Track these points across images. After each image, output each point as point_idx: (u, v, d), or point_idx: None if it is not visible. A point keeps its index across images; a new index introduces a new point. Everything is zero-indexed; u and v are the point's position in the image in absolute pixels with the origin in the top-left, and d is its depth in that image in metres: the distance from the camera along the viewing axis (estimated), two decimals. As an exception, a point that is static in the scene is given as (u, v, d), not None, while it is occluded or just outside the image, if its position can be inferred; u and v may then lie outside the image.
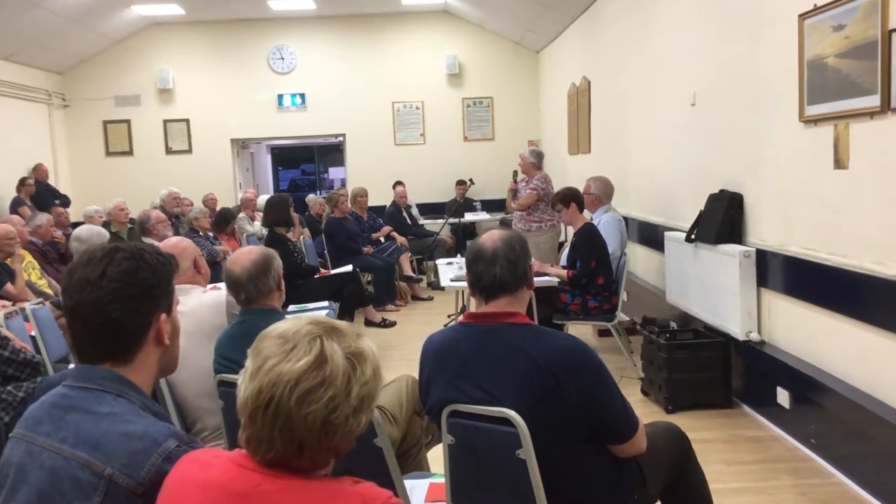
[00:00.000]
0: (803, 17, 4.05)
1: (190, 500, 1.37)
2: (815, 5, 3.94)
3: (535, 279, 3.18)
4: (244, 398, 1.35)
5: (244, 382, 1.36)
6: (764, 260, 4.62)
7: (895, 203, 3.43)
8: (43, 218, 7.27)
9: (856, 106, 3.63)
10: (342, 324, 1.42)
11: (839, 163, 3.82)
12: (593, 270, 5.61)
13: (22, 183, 10.05)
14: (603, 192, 6.43)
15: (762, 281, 4.65)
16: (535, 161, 7.44)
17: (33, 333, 4.62)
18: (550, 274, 5.77)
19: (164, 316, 1.62)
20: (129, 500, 1.44)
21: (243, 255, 3.07)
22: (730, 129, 5.08)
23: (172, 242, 3.55)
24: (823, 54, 3.89)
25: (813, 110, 4.01)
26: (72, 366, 3.19)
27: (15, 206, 9.57)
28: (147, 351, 1.61)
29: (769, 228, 4.60)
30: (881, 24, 3.41)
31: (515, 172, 7.61)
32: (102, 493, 1.44)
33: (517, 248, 2.41)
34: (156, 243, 3.79)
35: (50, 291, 6.16)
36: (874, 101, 3.48)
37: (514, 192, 7.51)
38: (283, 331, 1.38)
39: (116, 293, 1.54)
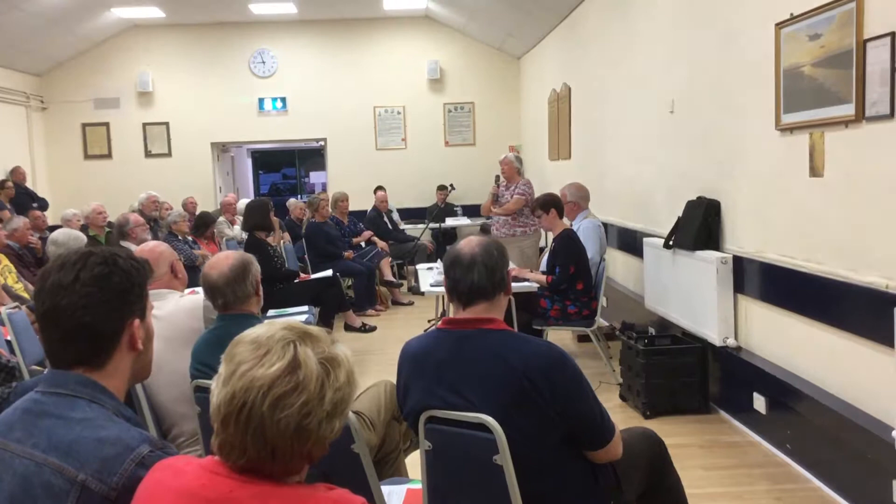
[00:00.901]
0: (780, 25, 4.09)
1: None
2: (791, 14, 3.98)
3: (515, 284, 3.21)
4: (217, 403, 1.35)
5: (217, 388, 1.36)
6: (741, 266, 4.66)
7: (868, 211, 3.47)
8: (19, 221, 7.21)
9: (831, 115, 3.67)
10: (316, 329, 1.42)
11: (814, 171, 3.86)
12: (572, 276, 5.64)
13: (1, 186, 9.95)
14: (579, 197, 6.46)
15: (739, 287, 4.69)
16: (519, 167, 7.47)
17: (9, 338, 4.58)
18: (530, 279, 5.79)
19: (137, 321, 1.61)
20: (102, 505, 1.43)
21: (221, 260, 3.05)
22: (707, 136, 5.12)
23: (149, 247, 3.52)
24: (799, 63, 3.93)
25: (789, 118, 4.05)
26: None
27: None
28: (120, 356, 1.60)
29: (746, 235, 4.64)
30: (856, 34, 3.45)
31: (498, 177, 7.62)
32: (75, 498, 1.43)
33: (495, 254, 2.42)
34: (134, 247, 3.77)
35: (26, 295, 6.10)
36: (849, 109, 3.52)
37: (496, 197, 7.53)
38: (257, 336, 1.37)
39: (89, 298, 1.53)
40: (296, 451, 1.33)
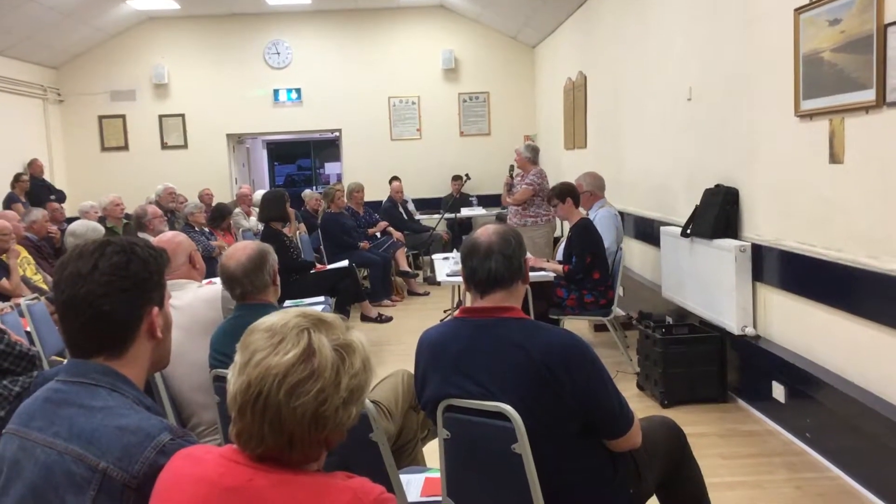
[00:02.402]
0: (799, 11, 4.04)
1: (182, 496, 1.36)
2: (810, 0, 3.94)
3: (531, 274, 3.19)
4: (233, 392, 1.35)
5: (233, 377, 1.36)
6: (759, 254, 4.62)
7: (889, 197, 3.44)
8: (38, 213, 7.25)
9: (851, 100, 3.63)
10: (331, 316, 1.41)
11: (834, 157, 3.82)
12: (589, 265, 5.61)
13: (17, 179, 10.02)
14: (595, 186, 6.44)
15: (757, 275, 4.65)
16: (530, 156, 7.44)
17: (29, 329, 4.61)
18: (546, 269, 5.77)
19: (156, 309, 1.61)
20: (123, 493, 1.43)
21: (238, 251, 3.06)
22: (725, 123, 5.08)
23: (168, 237, 3.53)
24: (819, 49, 3.89)
25: (808, 105, 4.01)
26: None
27: (8, 203, 9.54)
28: (139, 345, 1.60)
29: (764, 223, 4.61)
30: (876, 19, 3.41)
31: (512, 167, 7.59)
32: (96, 486, 1.43)
33: (512, 242, 2.40)
34: (151, 239, 3.78)
35: (45, 287, 6.14)
36: (869, 95, 3.48)
37: (510, 187, 7.51)
38: (272, 324, 1.37)
39: (108, 286, 1.53)
40: (313, 439, 1.33)
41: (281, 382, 1.30)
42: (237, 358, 1.36)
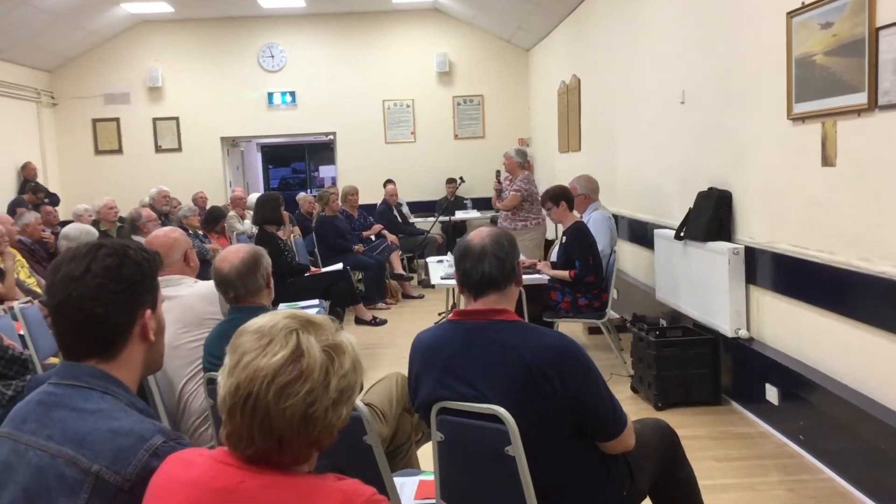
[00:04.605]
0: (791, 14, 4.06)
1: (174, 499, 1.37)
2: (802, 3, 3.95)
3: (525, 277, 3.19)
4: (223, 395, 1.35)
5: (223, 379, 1.36)
6: (752, 257, 4.63)
7: (881, 200, 3.45)
8: (31, 216, 7.24)
9: (843, 104, 3.65)
10: (320, 317, 1.41)
11: (827, 160, 3.84)
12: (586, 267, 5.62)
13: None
14: (589, 190, 6.45)
15: (751, 278, 4.66)
16: (520, 160, 7.45)
17: (22, 332, 4.60)
18: (551, 276, 5.75)
19: (148, 312, 1.61)
20: (116, 496, 1.43)
21: (232, 253, 3.06)
22: (718, 126, 5.09)
23: (164, 232, 3.53)
24: (811, 52, 3.90)
25: (801, 108, 4.03)
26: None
27: (14, 207, 9.51)
28: (132, 348, 1.60)
29: (757, 226, 4.62)
30: (868, 22, 3.42)
31: (498, 172, 7.60)
32: (89, 489, 1.43)
33: (505, 244, 2.41)
34: (147, 236, 3.79)
35: (39, 290, 6.13)
36: (861, 98, 3.49)
37: (499, 192, 7.52)
38: (260, 326, 1.37)
39: (100, 289, 1.53)
40: (303, 440, 1.33)
41: (270, 384, 1.30)
42: (227, 360, 1.36)
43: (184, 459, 1.41)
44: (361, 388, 1.45)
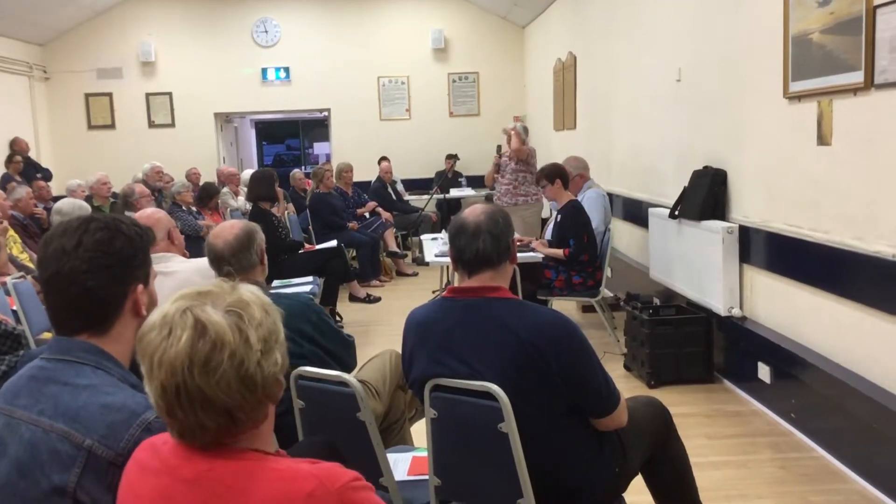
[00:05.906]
0: (789, -8, 4.03)
1: (145, 488, 1.35)
2: (800, -19, 3.92)
3: (520, 255, 3.20)
4: (155, 401, 1.31)
5: (147, 387, 1.32)
6: (747, 236, 4.64)
7: (876, 179, 3.45)
8: (22, 191, 7.20)
9: (840, 82, 3.63)
10: (208, 284, 1.37)
11: (822, 139, 3.83)
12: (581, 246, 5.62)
13: (10, 160, 9.94)
14: (581, 168, 6.45)
15: (745, 257, 4.67)
16: (525, 137, 7.45)
17: (15, 307, 4.59)
18: (546, 254, 5.75)
19: (140, 287, 1.60)
20: (109, 470, 1.44)
21: (225, 229, 3.04)
22: (714, 105, 5.07)
23: (147, 213, 3.53)
24: (808, 30, 3.88)
25: (797, 86, 4.01)
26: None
27: (4, 183, 9.46)
28: (124, 322, 1.59)
29: (752, 205, 4.62)
30: (866, 0, 3.40)
31: (499, 147, 7.57)
32: (82, 464, 1.43)
33: (500, 222, 2.40)
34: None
35: (32, 265, 6.11)
36: (858, 77, 3.48)
37: (499, 167, 7.50)
38: (153, 321, 1.32)
39: (92, 263, 1.53)
40: (251, 402, 1.30)
41: (191, 368, 1.26)
42: (143, 369, 1.32)
43: (153, 446, 1.39)
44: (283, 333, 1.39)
